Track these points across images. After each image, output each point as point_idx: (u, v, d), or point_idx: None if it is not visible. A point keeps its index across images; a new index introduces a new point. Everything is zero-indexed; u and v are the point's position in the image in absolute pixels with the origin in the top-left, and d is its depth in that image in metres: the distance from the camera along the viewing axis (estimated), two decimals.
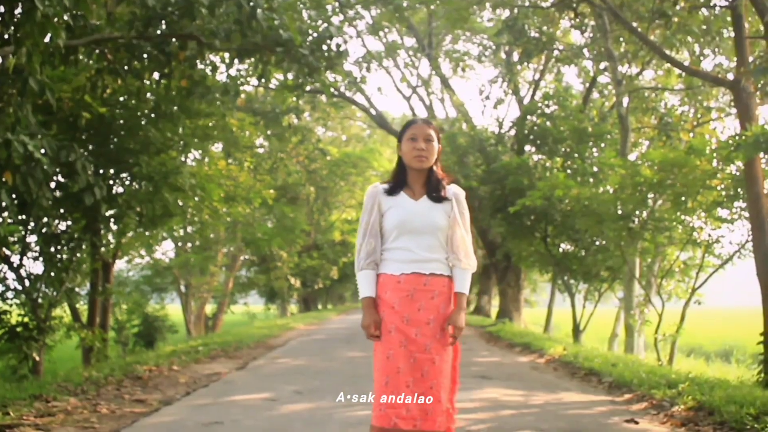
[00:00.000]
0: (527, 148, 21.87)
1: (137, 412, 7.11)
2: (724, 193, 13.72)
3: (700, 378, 8.45)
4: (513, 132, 22.42)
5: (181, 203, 13.66)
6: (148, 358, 11.63)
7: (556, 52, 22.56)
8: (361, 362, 11.86)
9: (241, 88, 13.93)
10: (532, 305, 47.72)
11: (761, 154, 9.83)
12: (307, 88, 14.55)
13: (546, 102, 21.64)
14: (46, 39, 7.46)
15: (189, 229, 22.18)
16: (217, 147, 18.58)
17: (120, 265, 18.67)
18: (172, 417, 6.82)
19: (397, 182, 4.11)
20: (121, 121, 12.54)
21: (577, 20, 19.19)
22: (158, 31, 10.49)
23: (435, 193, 4.05)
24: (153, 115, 12.72)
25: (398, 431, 3.79)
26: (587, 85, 24.53)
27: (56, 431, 6.18)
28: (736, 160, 11.68)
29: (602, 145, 19.83)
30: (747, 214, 12.80)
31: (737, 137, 9.72)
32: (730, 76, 17.28)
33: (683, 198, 14.06)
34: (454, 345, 4.00)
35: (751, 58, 14.07)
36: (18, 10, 7.34)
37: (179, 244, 30.46)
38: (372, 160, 38.64)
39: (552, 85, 26.05)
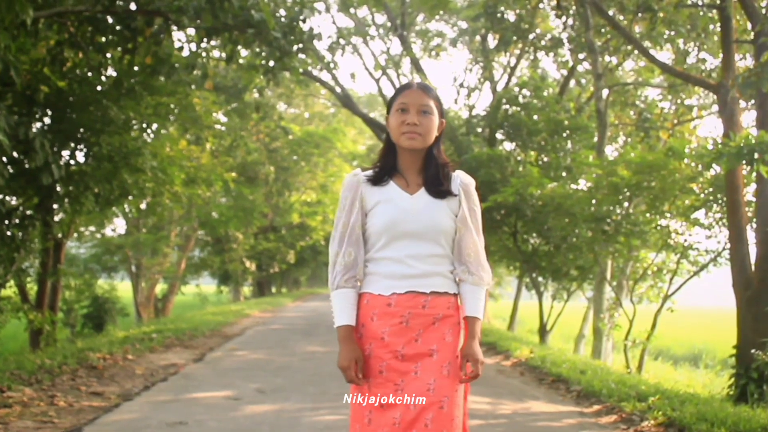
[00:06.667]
0: (499, 137, 21.93)
1: (96, 407, 7.26)
2: (702, 196, 13.99)
3: (671, 391, 8.68)
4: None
5: (140, 185, 13.70)
6: (100, 344, 11.67)
7: (534, 39, 22.76)
8: (323, 358, 12.06)
9: (204, 62, 13.90)
10: (496, 299, 48.13)
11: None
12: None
13: (521, 90, 21.69)
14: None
15: (143, 205, 22.11)
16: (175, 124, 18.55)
17: (69, 242, 18.54)
18: (134, 414, 6.96)
19: (384, 167, 3.24)
20: (81, 97, 12.50)
21: (559, 11, 19.40)
22: (124, 5, 10.53)
23: (436, 186, 3.20)
24: (114, 92, 12.70)
25: None
26: (565, 73, 24.72)
27: (14, 424, 6.28)
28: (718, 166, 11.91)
29: (576, 138, 19.99)
30: (725, 221, 13.09)
31: (720, 145, 9.92)
32: (714, 75, 17.67)
33: (659, 201, 14.32)
34: (466, 383, 3.17)
35: (737, 56, 14.37)
36: None
37: (131, 221, 30.36)
38: (335, 140, 38.56)
39: (528, 72, 26.21)
